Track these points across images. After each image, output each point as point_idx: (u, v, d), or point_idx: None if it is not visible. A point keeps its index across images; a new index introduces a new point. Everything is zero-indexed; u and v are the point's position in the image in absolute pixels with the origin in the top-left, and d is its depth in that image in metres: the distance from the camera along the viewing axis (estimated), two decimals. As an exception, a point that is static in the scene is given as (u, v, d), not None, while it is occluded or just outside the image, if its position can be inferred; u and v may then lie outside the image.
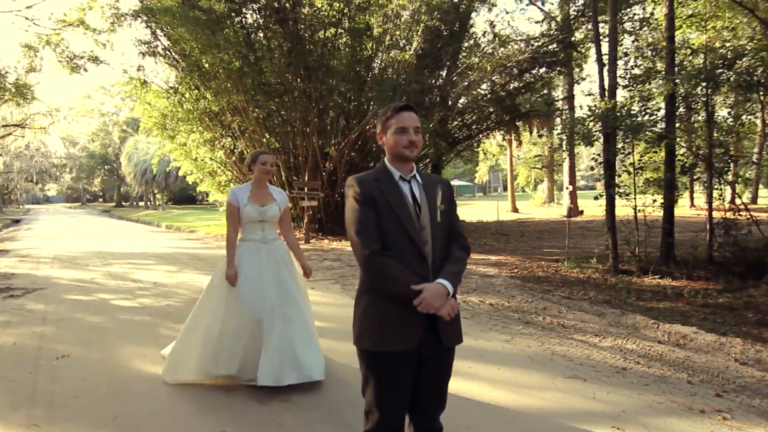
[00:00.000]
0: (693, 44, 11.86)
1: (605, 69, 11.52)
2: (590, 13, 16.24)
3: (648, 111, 11.21)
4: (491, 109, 17.24)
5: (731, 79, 8.62)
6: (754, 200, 28.79)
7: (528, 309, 7.47)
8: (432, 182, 2.59)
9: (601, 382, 4.68)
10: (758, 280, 9.27)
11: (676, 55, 11.35)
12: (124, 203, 67.72)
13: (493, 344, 5.73)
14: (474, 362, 5.10)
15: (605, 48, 11.61)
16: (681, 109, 10.96)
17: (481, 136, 20.66)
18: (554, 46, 17.31)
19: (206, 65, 15.95)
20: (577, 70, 19.26)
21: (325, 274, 9.78)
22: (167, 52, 17.08)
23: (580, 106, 16.35)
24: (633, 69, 11.63)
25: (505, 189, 68.40)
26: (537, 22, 20.38)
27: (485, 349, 5.56)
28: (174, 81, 18.30)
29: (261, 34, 15.47)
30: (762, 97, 9.32)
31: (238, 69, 14.03)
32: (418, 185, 2.55)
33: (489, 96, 17.16)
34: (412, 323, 2.40)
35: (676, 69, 11.19)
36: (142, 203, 60.70)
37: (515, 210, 30.40)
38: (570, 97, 25.56)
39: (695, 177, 10.66)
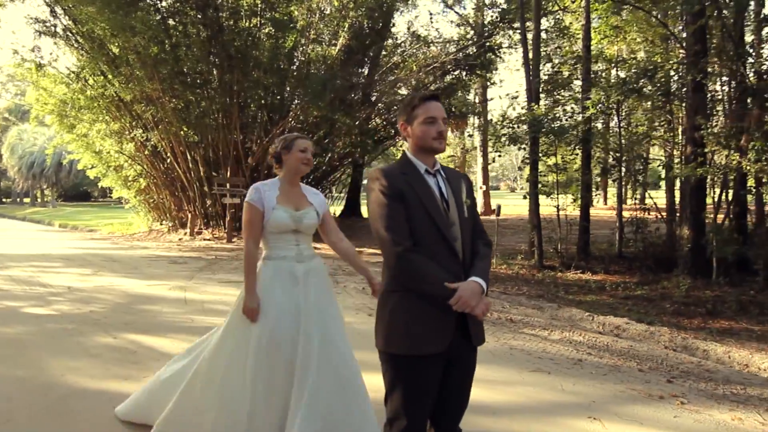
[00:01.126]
0: (607, 55, 12.63)
1: (530, 74, 12.01)
2: (507, 20, 16.91)
3: (569, 116, 11.83)
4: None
5: (648, 89, 9.24)
6: (642, 200, 31.32)
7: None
8: (455, 176, 2.49)
9: (564, 374, 4.82)
10: (668, 272, 10.04)
11: (594, 64, 12.09)
12: (5, 200, 61.74)
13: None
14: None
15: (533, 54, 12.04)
16: (600, 118, 11.73)
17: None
18: (473, 49, 17.81)
19: (116, 50, 14.86)
20: (494, 74, 19.90)
21: (259, 274, 9.42)
22: (68, 33, 15.70)
23: (494, 109, 16.90)
24: (556, 75, 12.25)
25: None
26: (458, 25, 20.88)
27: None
28: (75, 65, 16.87)
29: (177, 20, 14.64)
30: (670, 106, 10.12)
31: (155, 56, 13.18)
32: (443, 179, 2.43)
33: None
34: (444, 324, 2.28)
35: (595, 77, 11.95)
36: (27, 199, 55.64)
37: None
38: (485, 101, 26.45)
39: (614, 178, 11.33)
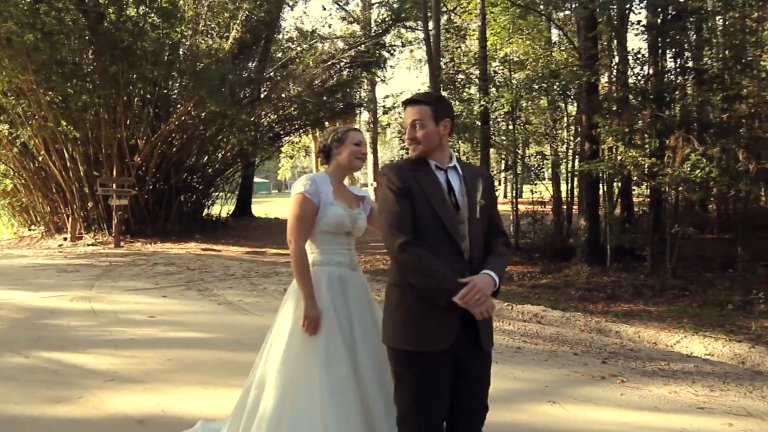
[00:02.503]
0: (501, 56, 13.31)
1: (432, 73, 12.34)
2: (402, 18, 17.25)
3: (468, 114, 12.33)
4: (310, 105, 17.22)
5: (556, 88, 9.88)
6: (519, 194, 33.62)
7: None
8: (473, 174, 2.43)
9: (511, 363, 5.01)
10: (566, 261, 10.83)
11: (493, 65, 12.70)
12: None
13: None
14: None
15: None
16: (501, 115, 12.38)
17: (302, 131, 20.51)
18: (367, 46, 17.95)
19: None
20: (386, 72, 20.22)
21: (168, 280, 8.78)
22: None
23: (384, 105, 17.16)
24: (457, 74, 12.71)
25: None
26: (350, 22, 20.91)
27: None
28: None
29: (48, 5, 13.19)
30: (565, 105, 10.93)
31: (29, 44, 11.78)
32: (457, 176, 2.39)
33: (307, 92, 17.10)
34: (446, 321, 2.25)
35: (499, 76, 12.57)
36: None
37: (321, 206, 30.83)
38: (374, 98, 26.75)
39: (514, 174, 11.97)
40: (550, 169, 12.33)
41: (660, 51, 9.83)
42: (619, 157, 8.35)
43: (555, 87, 9.65)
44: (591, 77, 9.56)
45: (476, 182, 2.40)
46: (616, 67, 10.20)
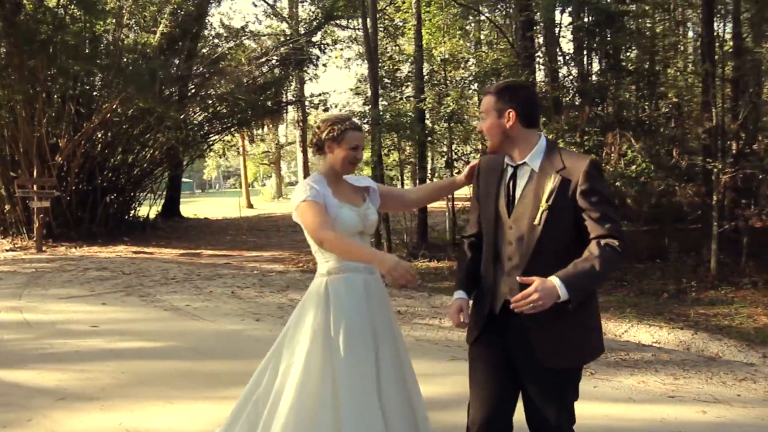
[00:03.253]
0: (436, 55, 13.45)
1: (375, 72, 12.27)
2: (336, 16, 17.08)
3: (405, 113, 12.35)
4: (243, 104, 16.72)
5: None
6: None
7: (354, 301, 7.55)
8: (546, 173, 2.14)
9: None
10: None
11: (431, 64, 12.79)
12: None
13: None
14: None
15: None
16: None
17: (233, 130, 19.86)
18: (294, 45, 17.60)
19: None
20: (318, 70, 19.95)
21: (104, 286, 8.23)
22: None
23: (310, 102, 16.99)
24: (396, 73, 12.71)
25: (235, 186, 67.16)
26: (282, 20, 20.48)
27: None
28: None
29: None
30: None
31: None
32: (528, 174, 2.20)
33: (238, 90, 16.58)
34: (475, 316, 2.35)
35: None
36: None
37: (250, 206, 30.13)
38: (301, 97, 26.36)
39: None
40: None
41: (593, 51, 10.23)
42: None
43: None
44: (529, 76, 9.83)
45: (544, 182, 2.13)
46: (549, 66, 10.52)
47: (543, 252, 2.11)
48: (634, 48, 9.98)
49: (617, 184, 8.40)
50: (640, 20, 10.49)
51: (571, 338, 2.14)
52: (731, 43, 10.72)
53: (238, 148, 30.63)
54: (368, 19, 11.55)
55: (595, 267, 2.01)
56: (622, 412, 3.86)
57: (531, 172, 2.19)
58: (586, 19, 10.13)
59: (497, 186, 2.26)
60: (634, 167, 7.92)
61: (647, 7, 10.63)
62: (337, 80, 53.32)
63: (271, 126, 30.94)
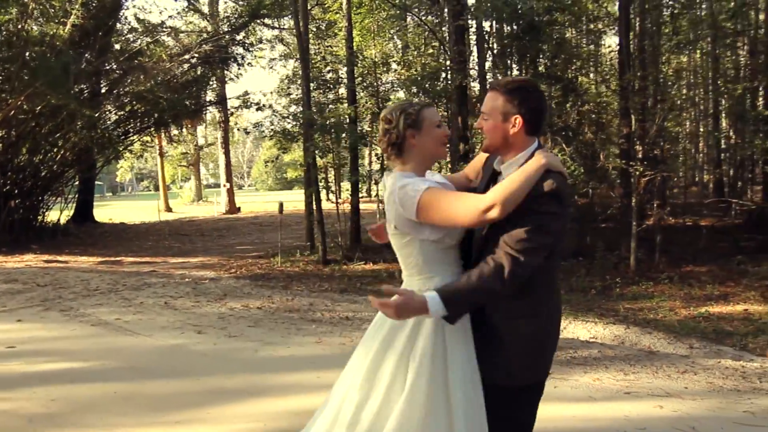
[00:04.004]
0: (368, 57, 13.40)
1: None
2: (263, 15, 16.63)
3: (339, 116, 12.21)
4: (163, 102, 15.90)
5: (438, 89, 10.13)
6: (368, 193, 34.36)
7: (298, 307, 7.33)
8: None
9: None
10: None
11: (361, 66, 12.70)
12: None
13: (308, 348, 5.46)
14: (315, 371, 4.77)
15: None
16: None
17: (152, 130, 18.83)
18: (214, 44, 16.98)
19: None
20: (244, 69, 19.33)
21: (17, 301, 7.49)
22: None
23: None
24: (328, 74, 12.53)
25: (150, 188, 63.95)
26: (206, 18, 19.67)
27: (309, 355, 5.26)
28: None
29: None
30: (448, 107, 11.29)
31: None
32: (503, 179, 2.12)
33: (156, 88, 15.76)
34: None
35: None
36: None
37: (169, 209, 28.78)
38: (223, 97, 25.56)
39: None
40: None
41: (520, 58, 10.53)
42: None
43: (437, 88, 9.93)
44: (463, 80, 9.98)
45: None
46: (481, 71, 10.74)
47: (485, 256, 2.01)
48: (557, 56, 10.35)
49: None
50: (560, 29, 10.90)
51: (505, 355, 2.05)
52: (640, 54, 11.42)
53: (163, 152, 29.20)
54: (300, 19, 11.30)
55: (473, 280, 1.94)
56: (585, 412, 3.94)
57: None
58: (511, 28, 10.46)
59: (484, 188, 2.18)
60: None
61: (566, 18, 11.08)
62: (259, 81, 51.96)
63: (190, 127, 29.75)
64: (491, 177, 2.23)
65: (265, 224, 20.41)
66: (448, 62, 10.40)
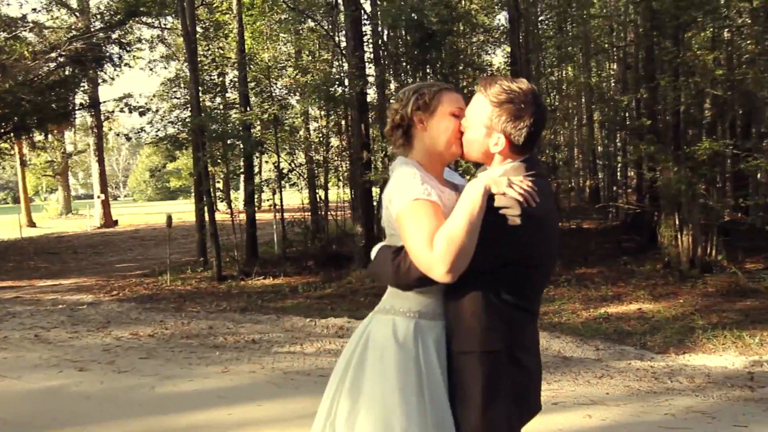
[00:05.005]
0: (259, 60, 12.82)
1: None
2: (142, 13, 15.38)
3: (233, 121, 11.54)
4: (25, 105, 14.18)
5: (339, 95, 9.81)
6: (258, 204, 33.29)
7: (196, 332, 6.66)
8: None
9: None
10: (342, 269, 10.88)
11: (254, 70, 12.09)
12: None
13: (214, 380, 4.89)
14: (225, 407, 4.25)
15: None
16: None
17: (11, 135, 16.72)
18: (86, 42, 15.49)
19: None
20: (121, 71, 17.77)
21: None
22: None
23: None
24: (218, 78, 11.78)
25: (7, 201, 57.55)
26: (76, 14, 17.88)
27: (216, 387, 4.70)
28: None
29: None
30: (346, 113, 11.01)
31: None
32: None
33: (21, 89, 14.04)
34: None
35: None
36: None
37: (33, 224, 25.86)
38: (97, 100, 23.57)
39: (292, 183, 11.60)
40: (323, 177, 12.31)
41: (418, 65, 10.54)
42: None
43: (336, 95, 9.63)
44: (363, 87, 9.78)
45: None
46: (380, 77, 10.61)
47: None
48: (455, 65, 10.49)
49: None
50: (456, 39, 11.08)
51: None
52: (527, 66, 11.92)
53: (25, 160, 26.24)
54: (187, 18, 10.51)
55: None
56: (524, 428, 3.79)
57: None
58: (405, 37, 10.46)
59: None
60: (468, 178, 8.22)
61: (462, 28, 11.30)
62: (138, 83, 48.70)
63: (56, 132, 27.05)
64: None
65: (148, 238, 18.94)
66: (346, 66, 10.14)
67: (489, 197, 1.66)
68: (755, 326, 7.08)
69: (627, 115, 12.64)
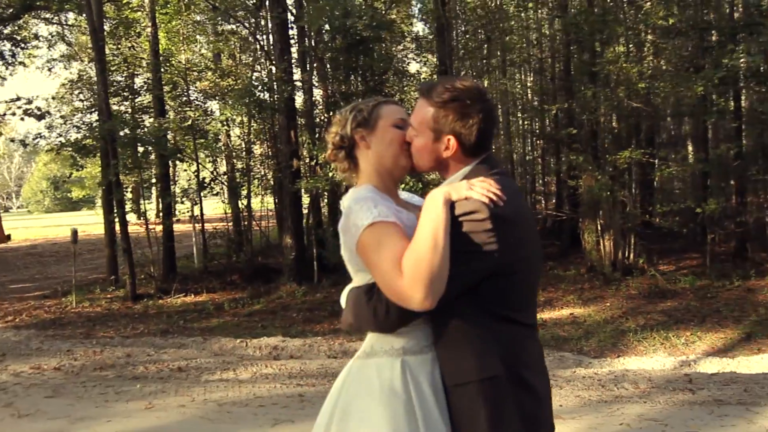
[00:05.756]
0: (175, 62, 12.07)
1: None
2: (25, 6, 14.07)
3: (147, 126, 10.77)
4: None
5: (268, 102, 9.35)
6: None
7: (111, 361, 5.99)
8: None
9: (308, 417, 4.30)
10: (270, 283, 10.36)
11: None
12: None
13: (137, 419, 4.33)
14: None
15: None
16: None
17: None
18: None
19: None
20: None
21: None
22: None
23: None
24: (129, 79, 10.94)
25: None
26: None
27: (141, 428, 4.16)
28: None
29: None
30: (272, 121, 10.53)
31: None
32: None
33: None
34: None
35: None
36: None
37: None
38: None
39: (215, 192, 10.94)
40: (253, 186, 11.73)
41: (349, 71, 10.28)
42: (331, 174, 8.36)
43: (264, 100, 9.15)
44: (291, 92, 9.41)
45: None
46: (309, 83, 10.28)
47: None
48: (386, 72, 10.35)
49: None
50: (386, 46, 10.95)
51: None
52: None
53: None
54: (94, 14, 9.64)
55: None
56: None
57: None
58: (333, 43, 10.20)
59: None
60: (403, 186, 8.05)
61: (391, 36, 11.19)
62: (33, 85, 45.08)
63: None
64: None
65: (47, 255, 17.36)
66: (273, 70, 9.70)
67: (451, 206, 1.50)
68: (678, 326, 7.39)
69: (548, 124, 13.02)
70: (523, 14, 13.38)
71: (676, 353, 6.66)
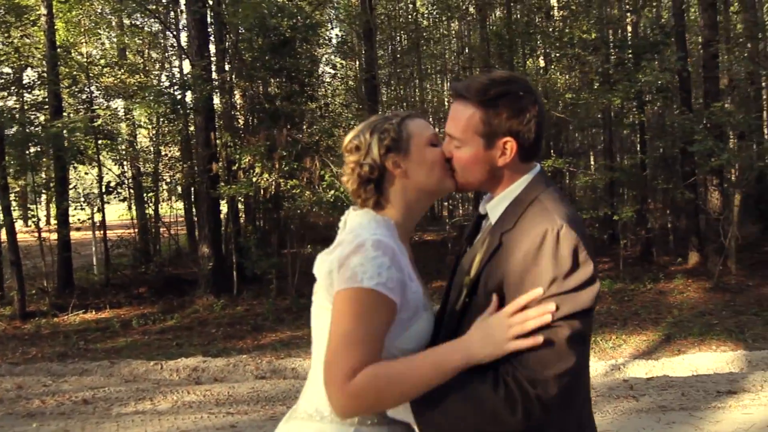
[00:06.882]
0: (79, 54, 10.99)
1: None
2: None
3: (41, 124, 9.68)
4: None
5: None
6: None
7: (-1, 394, 5.11)
8: (496, 231, 1.35)
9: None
10: (185, 295, 9.59)
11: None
12: None
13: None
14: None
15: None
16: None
17: None
18: None
19: None
20: None
21: None
22: None
23: None
24: (20, 71, 9.77)
25: None
26: None
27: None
28: None
29: None
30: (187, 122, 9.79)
31: None
32: (487, 228, 1.41)
33: None
34: None
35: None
36: None
37: None
38: None
39: (122, 198, 9.99)
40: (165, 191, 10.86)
41: (274, 72, 9.81)
42: (255, 179, 7.84)
43: (182, 101, 8.45)
44: (210, 91, 8.80)
45: (483, 246, 1.35)
46: (230, 83, 9.69)
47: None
48: (312, 74, 10.00)
49: (314, 209, 8.12)
50: (311, 48, 10.59)
51: None
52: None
53: None
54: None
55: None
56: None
57: (489, 225, 1.39)
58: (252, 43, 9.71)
59: (467, 241, 1.49)
60: (332, 192, 7.72)
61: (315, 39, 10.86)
62: None
63: None
64: (475, 226, 1.49)
65: None
66: (189, 67, 9.01)
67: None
68: (604, 330, 7.55)
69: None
70: (442, 25, 13.52)
71: (606, 357, 6.77)
